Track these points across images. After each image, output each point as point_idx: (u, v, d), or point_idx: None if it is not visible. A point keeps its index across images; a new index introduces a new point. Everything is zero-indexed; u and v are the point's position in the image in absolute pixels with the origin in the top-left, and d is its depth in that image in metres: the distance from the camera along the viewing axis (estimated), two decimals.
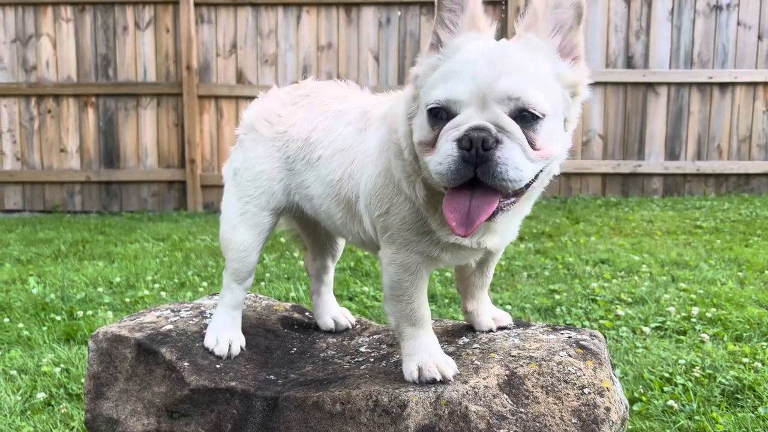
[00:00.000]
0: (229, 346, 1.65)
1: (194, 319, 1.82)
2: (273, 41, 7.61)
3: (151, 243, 5.71)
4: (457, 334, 1.67)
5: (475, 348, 1.56)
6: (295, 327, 1.88)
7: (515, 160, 1.15)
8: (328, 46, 7.63)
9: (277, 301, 2.06)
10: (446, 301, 3.86)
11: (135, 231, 6.33)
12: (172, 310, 1.89)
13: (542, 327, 1.67)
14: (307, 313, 1.97)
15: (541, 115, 1.19)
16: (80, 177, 7.56)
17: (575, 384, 1.40)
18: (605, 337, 3.22)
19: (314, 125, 1.62)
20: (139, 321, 1.79)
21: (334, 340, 1.80)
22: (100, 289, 4.19)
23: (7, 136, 7.53)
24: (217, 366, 1.60)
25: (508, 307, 3.74)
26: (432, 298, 3.95)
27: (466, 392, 1.34)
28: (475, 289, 1.68)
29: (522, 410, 1.33)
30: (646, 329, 3.35)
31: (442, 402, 1.32)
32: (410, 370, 1.42)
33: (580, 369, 1.43)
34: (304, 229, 1.85)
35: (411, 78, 1.30)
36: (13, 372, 2.87)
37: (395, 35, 7.61)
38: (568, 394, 1.37)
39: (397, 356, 1.60)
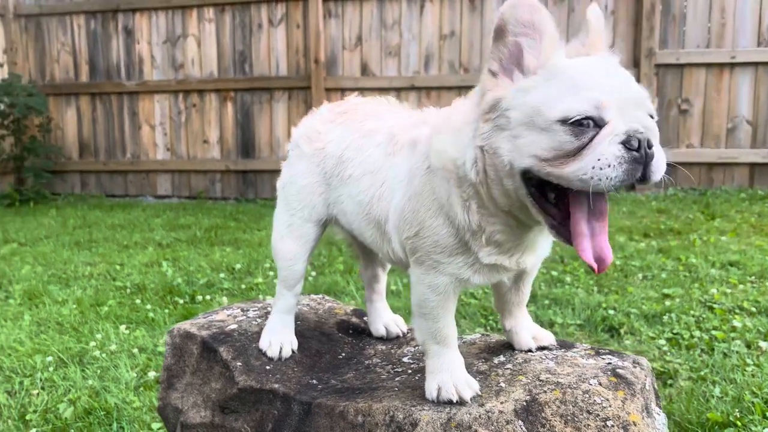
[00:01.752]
0: (280, 349, 1.77)
1: (258, 319, 1.96)
2: (396, 32, 7.72)
3: None
4: (496, 352, 1.66)
5: (507, 369, 1.55)
6: (350, 332, 1.96)
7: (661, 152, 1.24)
8: (451, 34, 7.61)
9: (340, 304, 2.15)
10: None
11: (264, 218, 6.75)
12: (242, 310, 2.05)
13: (585, 350, 1.62)
14: (365, 318, 2.05)
15: (656, 117, 1.29)
16: (220, 166, 8.17)
17: (599, 415, 1.35)
18: (707, 347, 3.01)
19: (348, 143, 1.68)
20: (211, 319, 1.96)
21: (383, 347, 1.86)
22: (222, 275, 4.55)
23: (159, 128, 8.30)
24: (267, 367, 1.73)
25: (611, 312, 3.58)
26: None
27: (479, 416, 1.34)
28: (512, 307, 1.66)
29: None
30: (764, 345, 3.07)
31: (453, 424, 1.34)
32: (430, 389, 1.45)
33: (608, 399, 1.38)
34: (354, 238, 1.92)
35: (487, 104, 1.30)
36: (135, 350, 3.23)
37: None
38: (588, 425, 1.33)
39: None
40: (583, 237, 1.24)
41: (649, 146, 1.20)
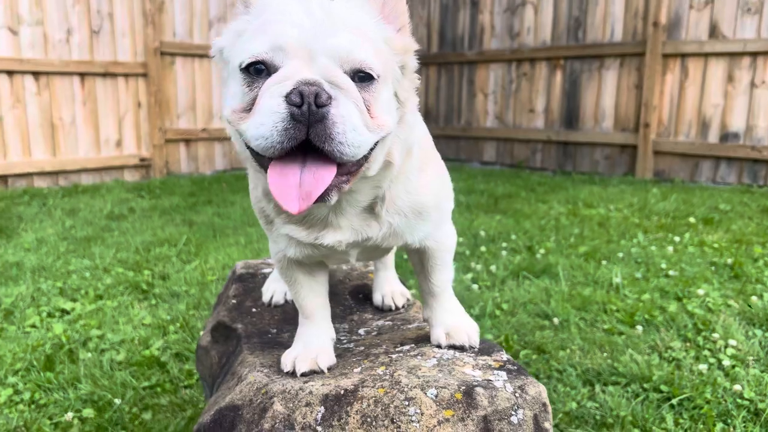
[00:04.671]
0: (271, 296, 1.89)
1: None
2: None
3: (562, 205, 5.83)
4: (417, 342, 1.49)
5: (389, 358, 1.38)
6: (360, 297, 1.94)
7: (353, 120, 0.99)
8: None
9: None
10: None
11: (562, 191, 6.52)
12: None
13: (491, 360, 1.33)
14: None
15: (376, 76, 1.05)
16: (542, 136, 8.10)
17: (398, 427, 1.15)
18: None
19: None
20: (264, 262, 2.19)
21: (370, 316, 1.81)
22: (461, 239, 4.66)
23: (491, 97, 8.61)
24: (253, 310, 1.87)
25: None
26: None
27: (288, 390, 1.27)
28: (426, 296, 1.45)
29: (317, 431, 1.19)
30: None
31: (263, 391, 1.29)
32: (282, 355, 1.41)
33: (422, 414, 1.15)
34: None
35: (215, 53, 1.17)
36: None
37: None
38: None
39: (350, 345, 1.56)
40: (277, 179, 0.99)
41: (319, 104, 0.95)
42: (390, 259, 1.90)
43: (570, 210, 5.59)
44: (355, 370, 1.34)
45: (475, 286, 3.60)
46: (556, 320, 3.13)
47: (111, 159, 7.33)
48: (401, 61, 1.14)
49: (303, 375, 1.33)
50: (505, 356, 1.36)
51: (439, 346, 1.43)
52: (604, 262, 4.02)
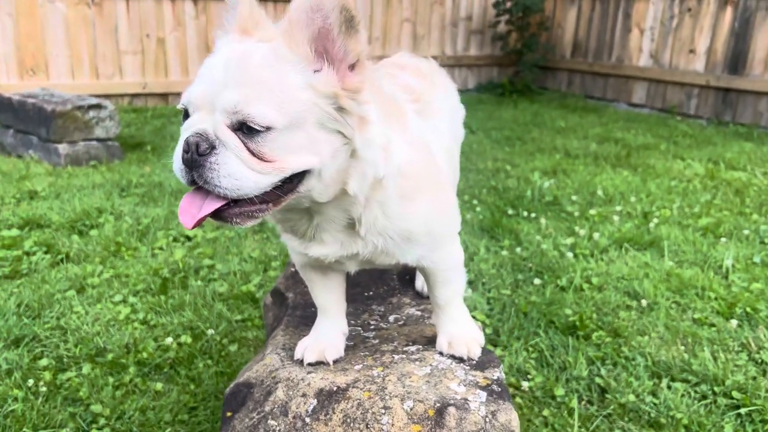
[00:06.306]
0: None
1: None
2: None
3: (701, 164, 5.39)
4: (426, 343, 1.57)
5: (393, 357, 1.48)
6: (407, 279, 2.04)
7: (229, 168, 1.15)
8: None
9: None
10: None
11: (708, 147, 6.01)
12: None
13: (481, 377, 1.38)
14: None
15: (262, 128, 1.16)
16: (701, 80, 7.38)
17: None
18: None
19: None
20: None
21: (408, 301, 1.90)
22: (575, 197, 4.51)
23: (648, 33, 7.92)
24: None
25: None
26: None
27: (292, 379, 1.42)
28: (434, 305, 1.51)
29: (305, 421, 1.34)
30: None
31: (273, 375, 1.46)
32: (299, 341, 1.56)
33: (392, 425, 1.26)
34: None
35: None
36: None
37: None
38: None
39: (369, 334, 1.68)
40: (186, 196, 1.21)
41: (200, 153, 1.14)
42: None
43: (708, 171, 5.16)
44: (356, 367, 1.47)
45: (570, 255, 3.54)
46: (644, 302, 3.03)
47: None
48: (335, 104, 1.18)
49: (309, 365, 1.48)
50: (497, 374, 1.42)
51: (441, 354, 1.51)
52: (723, 240, 3.74)
